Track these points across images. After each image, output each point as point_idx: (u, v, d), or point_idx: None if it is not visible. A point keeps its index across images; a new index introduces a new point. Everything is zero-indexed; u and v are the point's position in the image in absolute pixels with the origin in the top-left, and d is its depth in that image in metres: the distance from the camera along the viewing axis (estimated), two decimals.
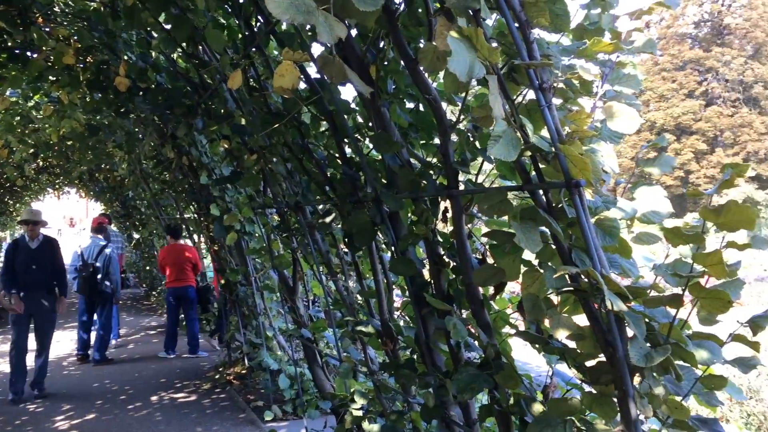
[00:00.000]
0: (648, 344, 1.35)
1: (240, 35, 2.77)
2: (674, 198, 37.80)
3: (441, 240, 2.06)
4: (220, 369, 6.44)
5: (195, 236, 7.95)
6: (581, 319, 1.49)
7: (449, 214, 1.90)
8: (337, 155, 2.41)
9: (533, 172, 1.43)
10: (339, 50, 1.90)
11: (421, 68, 1.56)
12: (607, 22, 1.42)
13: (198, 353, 7.38)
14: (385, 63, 1.93)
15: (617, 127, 1.37)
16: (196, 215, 6.67)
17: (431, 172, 1.93)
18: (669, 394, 1.42)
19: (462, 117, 1.73)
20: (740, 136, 42.70)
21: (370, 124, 2.10)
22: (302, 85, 2.43)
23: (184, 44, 3.04)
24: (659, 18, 46.49)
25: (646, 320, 1.37)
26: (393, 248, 2.10)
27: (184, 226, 7.75)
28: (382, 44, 1.96)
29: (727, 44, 44.09)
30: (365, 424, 2.52)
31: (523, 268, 1.62)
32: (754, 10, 43.21)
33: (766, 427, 5.16)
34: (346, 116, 2.23)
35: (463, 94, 1.69)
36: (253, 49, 2.50)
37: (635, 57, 1.52)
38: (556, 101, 1.45)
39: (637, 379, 1.40)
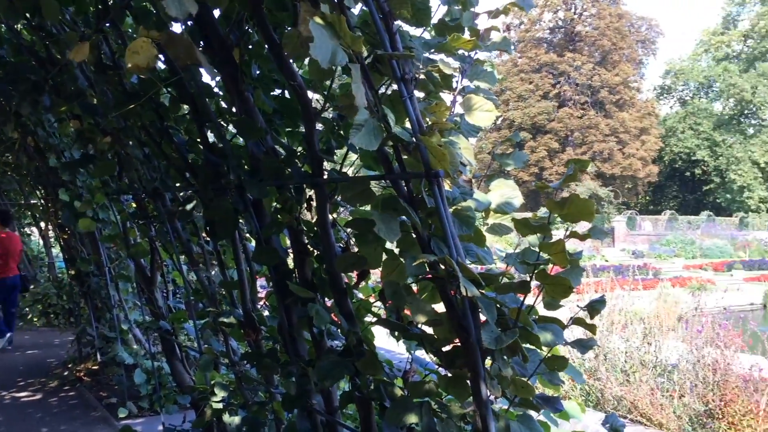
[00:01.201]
0: (498, 328, 1.42)
1: (92, 8, 2.59)
2: (530, 193, 40.25)
3: (305, 229, 2.05)
4: (69, 365, 6.03)
5: (42, 223, 7.39)
6: (439, 306, 1.54)
7: (314, 203, 1.89)
8: (198, 140, 2.32)
9: (396, 163, 1.45)
10: (200, 30, 1.83)
11: (286, 54, 1.54)
12: (467, 20, 1.48)
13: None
14: (250, 47, 1.88)
15: (475, 121, 1.43)
16: (42, 201, 6.18)
17: (296, 160, 1.92)
18: (516, 375, 1.51)
19: (327, 105, 1.73)
20: (588, 136, 46.21)
21: (234, 109, 2.04)
22: (163, 66, 2.32)
23: (28, 14, 2.79)
24: (519, 22, 49.16)
25: (498, 306, 1.44)
26: (257, 237, 2.07)
27: (29, 213, 7.19)
28: (247, 28, 1.90)
29: (578, 50, 47.47)
30: (225, 417, 2.47)
31: (385, 257, 1.65)
32: (602, 19, 46.82)
33: (604, 402, 5.66)
34: (208, 100, 2.15)
35: (329, 82, 1.68)
36: (107, 24, 2.34)
37: (495, 56, 1.60)
38: (419, 94, 1.49)
39: (488, 362, 1.47)
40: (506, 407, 1.61)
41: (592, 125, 46.03)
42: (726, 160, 52.14)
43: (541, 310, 1.53)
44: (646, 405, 5.17)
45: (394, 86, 1.43)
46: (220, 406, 2.46)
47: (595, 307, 1.50)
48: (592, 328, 1.52)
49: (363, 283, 2.02)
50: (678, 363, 5.59)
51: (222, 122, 2.28)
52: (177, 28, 2.17)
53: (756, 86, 51.25)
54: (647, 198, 57.37)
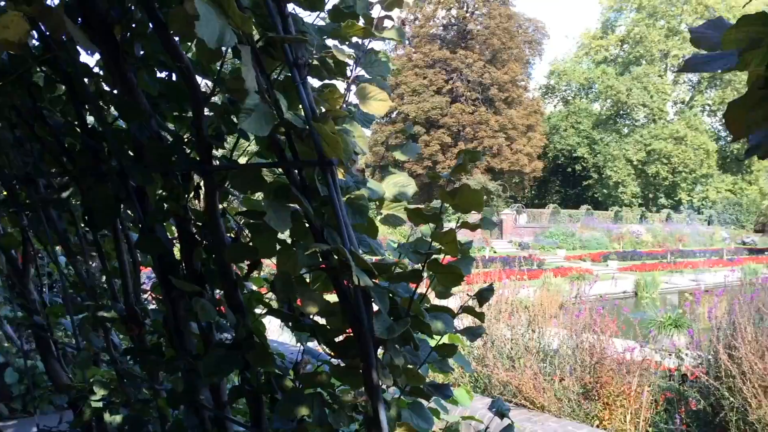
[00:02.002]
0: (391, 318, 1.43)
1: None
2: (423, 186, 41.04)
3: (194, 218, 1.97)
4: None
5: None
6: (332, 297, 1.53)
7: (202, 191, 1.82)
8: (76, 123, 2.16)
9: (288, 151, 1.42)
10: (79, 5, 1.70)
11: (171, 33, 1.46)
12: (361, 7, 1.46)
13: None
14: (133, 25, 1.77)
15: (369, 109, 1.42)
16: None
17: (183, 146, 1.83)
18: (408, 364, 1.52)
19: (217, 89, 1.66)
20: (479, 132, 47.75)
21: (116, 91, 1.92)
22: (37, 43, 2.14)
23: None
24: (413, 18, 49.92)
25: (390, 295, 1.44)
26: (140, 225, 1.96)
27: None
28: (129, 5, 1.79)
29: (469, 48, 48.87)
30: (106, 416, 2.34)
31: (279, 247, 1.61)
32: (493, 19, 48.44)
33: (491, 388, 5.88)
34: (86, 80, 2.01)
35: (219, 65, 1.62)
36: None
37: (391, 50, 1.59)
38: (314, 82, 1.46)
39: (381, 352, 1.47)
40: (398, 396, 1.62)
41: (483, 121, 47.60)
42: (603, 158, 55.66)
43: (433, 300, 1.55)
44: (530, 389, 5.42)
45: (287, 73, 1.39)
46: (100, 404, 2.32)
47: (483, 295, 1.54)
48: (480, 316, 1.56)
49: (255, 274, 1.97)
50: (559, 348, 5.91)
51: (102, 104, 2.14)
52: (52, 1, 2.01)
53: (631, 89, 54.97)
54: (532, 192, 60.23)
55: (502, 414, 1.76)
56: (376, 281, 1.40)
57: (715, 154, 54.69)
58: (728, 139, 55.34)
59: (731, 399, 4.77)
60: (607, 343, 5.57)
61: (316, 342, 1.71)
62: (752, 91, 0.71)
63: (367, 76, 1.55)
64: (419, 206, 1.44)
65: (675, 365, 5.83)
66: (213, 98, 1.71)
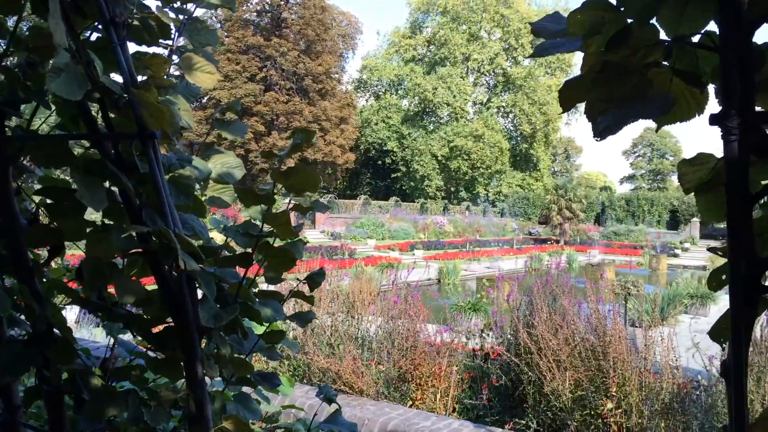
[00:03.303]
0: (218, 305, 1.34)
1: None
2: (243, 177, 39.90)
3: None
4: None
5: None
6: (150, 284, 1.40)
7: None
8: None
9: (102, 121, 1.27)
10: None
11: None
12: None
13: None
14: None
15: (196, 81, 1.32)
16: None
17: None
18: (234, 353, 1.45)
19: (12, 49, 1.44)
20: (293, 122, 47.60)
21: None
22: None
23: None
24: None
25: (217, 281, 1.36)
26: None
27: None
28: None
29: (284, 37, 48.48)
30: None
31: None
32: (307, 9, 48.47)
33: (311, 375, 5.89)
34: None
35: (13, 21, 1.40)
36: None
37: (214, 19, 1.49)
38: (136, 48, 1.32)
39: (205, 341, 1.38)
40: (221, 388, 1.54)
41: (297, 111, 47.55)
42: (411, 152, 58.45)
43: (262, 285, 1.49)
44: (349, 374, 5.52)
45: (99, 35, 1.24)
46: None
47: (315, 279, 1.50)
48: (310, 300, 1.53)
49: (57, 261, 1.76)
50: (376, 334, 6.09)
51: None
52: None
53: (436, 87, 58.24)
54: (345, 183, 61.53)
55: (330, 399, 1.75)
56: (203, 266, 1.30)
57: (507, 152, 59.83)
58: (518, 139, 61.05)
59: (529, 374, 5.25)
60: (421, 327, 5.85)
61: (130, 334, 1.57)
62: (588, 74, 0.75)
63: (192, 44, 1.44)
64: (252, 186, 1.36)
65: (478, 345, 6.29)
66: (6, 60, 1.48)
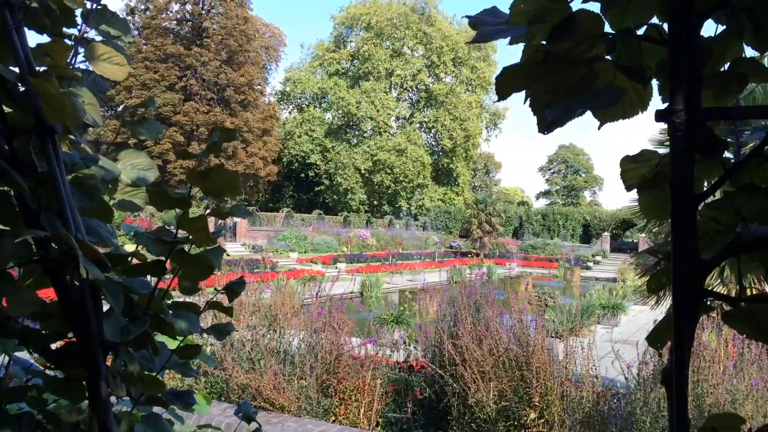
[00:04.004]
0: (126, 318, 1.23)
1: None
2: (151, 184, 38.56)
3: None
4: None
5: None
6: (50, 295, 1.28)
7: None
8: None
9: None
10: None
11: None
12: None
13: None
14: None
15: (103, 72, 1.21)
16: None
17: None
18: (144, 370, 1.33)
19: None
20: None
21: None
22: None
23: None
24: (144, 7, 47.04)
25: (125, 291, 1.24)
26: None
27: None
28: None
29: (205, 46, 47.48)
30: None
31: None
32: (230, 20, 47.71)
33: (229, 392, 5.68)
34: None
35: None
36: None
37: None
38: (32, 38, 1.20)
39: (111, 358, 1.27)
40: (129, 408, 1.42)
41: (218, 122, 46.56)
42: (334, 165, 58.41)
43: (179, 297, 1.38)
44: (270, 390, 5.35)
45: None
46: None
47: (234, 289, 1.41)
48: (229, 311, 1.43)
49: None
50: (299, 347, 5.94)
51: None
52: None
53: (360, 102, 58.55)
54: (267, 196, 60.73)
55: (249, 417, 1.65)
56: (108, 275, 1.19)
57: (429, 166, 60.74)
58: (440, 154, 62.09)
59: (454, 385, 5.25)
60: (345, 339, 5.75)
61: (26, 351, 1.42)
62: (529, 62, 0.71)
63: (99, 37, 1.33)
64: (164, 190, 1.26)
65: (402, 358, 6.25)
66: None
